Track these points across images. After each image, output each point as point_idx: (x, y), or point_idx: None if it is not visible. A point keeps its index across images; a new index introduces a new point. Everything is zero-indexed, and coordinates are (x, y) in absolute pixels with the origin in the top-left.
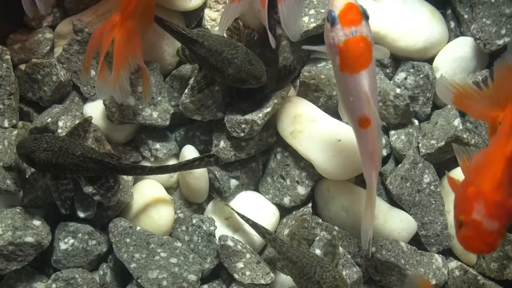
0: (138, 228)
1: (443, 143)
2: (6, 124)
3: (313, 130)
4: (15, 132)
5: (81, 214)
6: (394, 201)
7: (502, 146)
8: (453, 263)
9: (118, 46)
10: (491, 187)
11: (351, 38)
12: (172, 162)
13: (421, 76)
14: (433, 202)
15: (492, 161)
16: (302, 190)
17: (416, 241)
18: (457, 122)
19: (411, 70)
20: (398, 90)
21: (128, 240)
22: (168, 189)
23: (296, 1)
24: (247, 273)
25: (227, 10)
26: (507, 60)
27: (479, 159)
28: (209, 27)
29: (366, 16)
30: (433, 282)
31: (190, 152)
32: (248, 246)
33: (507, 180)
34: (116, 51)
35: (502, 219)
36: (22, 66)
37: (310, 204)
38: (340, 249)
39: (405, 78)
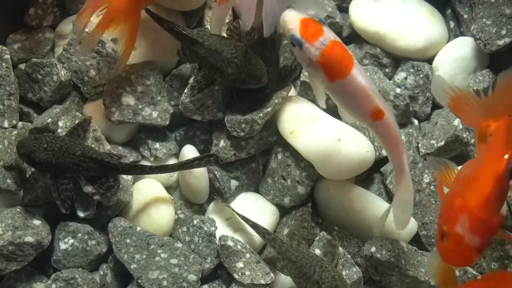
0: (138, 228)
1: (443, 143)
2: (6, 124)
3: (313, 129)
4: (15, 132)
5: (81, 214)
6: None
7: (493, 162)
8: None
9: (113, 10)
10: (478, 202)
11: (324, 48)
12: (172, 161)
13: (421, 76)
14: (433, 202)
15: (482, 176)
16: (302, 190)
17: (416, 241)
18: (457, 122)
19: (411, 70)
20: (398, 90)
21: (128, 240)
22: (168, 189)
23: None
24: (247, 273)
25: (216, 12)
26: (509, 73)
27: (469, 171)
28: (209, 27)
29: (323, 22)
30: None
31: (190, 151)
32: (248, 246)
33: (495, 197)
34: (109, 12)
35: (484, 236)
36: (22, 66)
37: (309, 204)
38: (340, 249)
39: (405, 78)
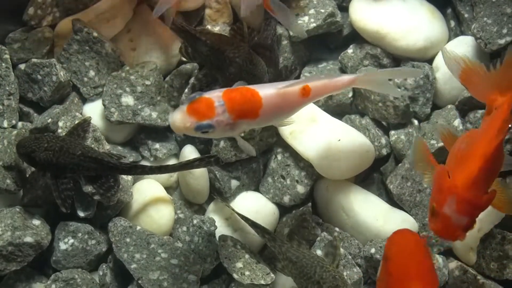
0: (138, 227)
1: (443, 143)
2: (5, 124)
3: (313, 130)
4: (14, 132)
5: (81, 214)
6: (394, 202)
7: (485, 141)
8: (453, 263)
9: None
10: (465, 183)
11: (226, 106)
12: (172, 162)
13: (421, 76)
14: None
15: (472, 155)
16: (301, 189)
17: None
18: (457, 122)
19: None
20: (398, 91)
21: (128, 240)
22: (168, 189)
23: None
24: (246, 273)
25: None
26: None
27: (463, 146)
28: (209, 27)
29: (199, 94)
30: None
31: (190, 152)
32: (247, 246)
33: (483, 178)
34: None
35: (472, 215)
36: (22, 66)
37: (309, 204)
38: (341, 250)
39: (405, 79)
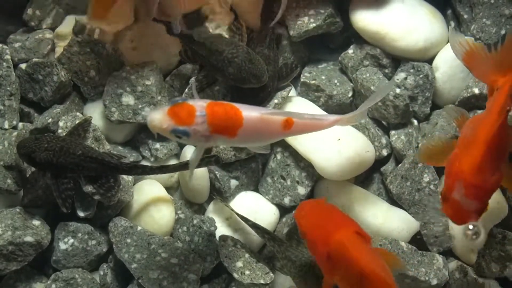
0: (139, 228)
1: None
2: (6, 125)
3: None
4: (15, 133)
5: (81, 214)
6: (394, 201)
7: (487, 123)
8: (453, 263)
9: None
10: (471, 169)
11: (208, 119)
12: (173, 162)
13: (420, 76)
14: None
15: (476, 139)
16: (302, 190)
17: (416, 241)
18: None
19: (411, 70)
20: (397, 90)
21: (129, 240)
22: (169, 189)
23: None
24: (247, 272)
25: None
26: None
27: (469, 131)
28: (209, 27)
29: (185, 99)
30: (434, 282)
31: (191, 152)
32: (247, 246)
33: (488, 161)
34: None
35: (481, 199)
36: (23, 66)
37: None
38: None
39: (405, 78)
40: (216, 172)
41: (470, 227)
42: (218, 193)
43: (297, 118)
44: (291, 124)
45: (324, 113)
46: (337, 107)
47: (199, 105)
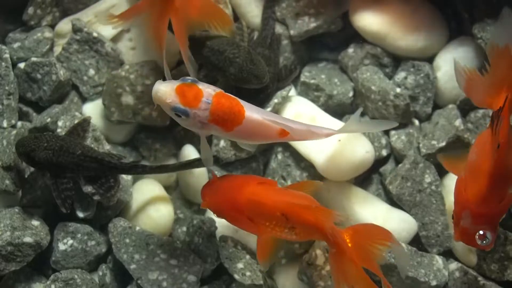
0: (137, 228)
1: (444, 144)
2: (5, 124)
3: None
4: (14, 132)
5: (81, 214)
6: (393, 202)
7: (488, 151)
8: (454, 265)
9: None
10: (477, 200)
11: (211, 106)
12: (172, 162)
13: (421, 75)
14: (434, 202)
15: (479, 168)
16: None
17: (416, 242)
18: (458, 122)
19: (411, 70)
20: (398, 90)
21: (127, 240)
22: (167, 189)
23: None
24: (248, 273)
25: None
26: (496, 43)
27: (474, 156)
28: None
29: (196, 81)
30: (434, 283)
31: (190, 151)
32: (248, 247)
33: (494, 189)
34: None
35: (489, 224)
36: (22, 65)
37: None
38: None
39: (405, 78)
40: (216, 172)
41: (481, 232)
42: None
43: (295, 128)
44: (287, 133)
45: (324, 113)
46: (337, 107)
47: (207, 92)
